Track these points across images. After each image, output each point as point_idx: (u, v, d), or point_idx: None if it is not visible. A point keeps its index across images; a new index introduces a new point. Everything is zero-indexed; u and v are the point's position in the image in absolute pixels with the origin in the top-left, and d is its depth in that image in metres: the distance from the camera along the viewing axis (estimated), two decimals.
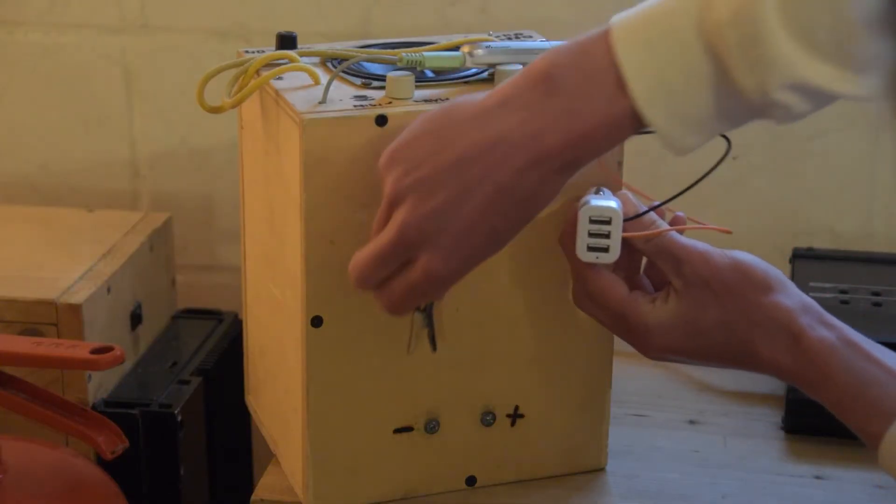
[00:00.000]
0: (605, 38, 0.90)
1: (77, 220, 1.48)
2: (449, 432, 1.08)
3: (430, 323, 1.06)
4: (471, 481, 1.10)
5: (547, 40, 1.10)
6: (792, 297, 0.98)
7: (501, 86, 0.92)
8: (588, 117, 0.90)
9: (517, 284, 1.06)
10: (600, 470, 1.13)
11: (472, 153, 0.91)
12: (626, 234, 0.99)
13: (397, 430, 1.08)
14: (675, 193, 1.01)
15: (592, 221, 0.98)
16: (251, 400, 1.22)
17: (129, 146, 1.55)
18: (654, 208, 1.01)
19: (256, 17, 1.49)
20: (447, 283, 0.95)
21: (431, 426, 1.08)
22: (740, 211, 1.47)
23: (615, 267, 1.01)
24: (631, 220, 1.00)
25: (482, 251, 0.94)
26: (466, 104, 0.93)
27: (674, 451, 1.16)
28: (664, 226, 1.01)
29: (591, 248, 0.99)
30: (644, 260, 1.04)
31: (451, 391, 1.08)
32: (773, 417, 1.21)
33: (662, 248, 1.00)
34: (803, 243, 1.42)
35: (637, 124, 0.91)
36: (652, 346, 1.00)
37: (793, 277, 1.33)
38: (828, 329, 0.97)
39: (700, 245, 1.00)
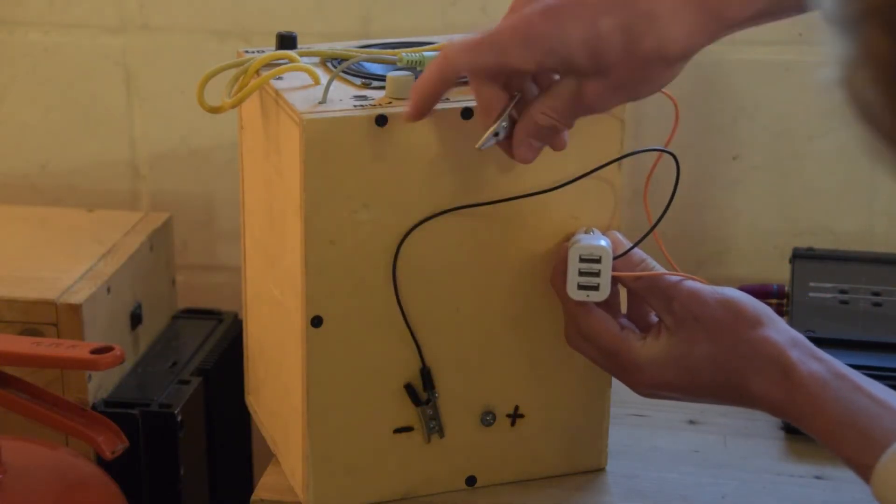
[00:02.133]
0: None
1: (77, 220, 1.48)
2: (449, 432, 1.08)
3: (435, 415, 1.07)
4: (471, 481, 1.10)
5: None
6: (781, 332, 0.99)
7: None
8: None
9: (518, 284, 1.06)
10: (600, 470, 1.13)
11: None
12: (615, 273, 1.01)
13: (397, 430, 1.08)
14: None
15: (583, 260, 1.00)
16: (251, 400, 1.22)
17: (129, 146, 1.55)
18: (638, 242, 1.03)
19: (256, 17, 1.49)
20: (560, 48, 0.91)
21: (431, 426, 1.08)
22: (740, 211, 1.47)
23: (602, 306, 1.03)
24: (620, 257, 1.02)
25: (599, 43, 0.90)
26: None
27: (674, 451, 1.16)
28: (653, 263, 1.03)
29: (581, 287, 1.01)
30: (626, 303, 1.06)
31: (451, 391, 1.08)
32: (773, 417, 1.21)
33: (652, 285, 1.01)
34: (803, 243, 1.42)
35: None
36: (644, 383, 1.02)
37: (793, 277, 1.33)
38: (818, 362, 0.98)
39: (689, 282, 1.01)
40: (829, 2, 0.60)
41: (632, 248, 1.02)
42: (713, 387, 1.00)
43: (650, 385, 1.01)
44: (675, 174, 1.02)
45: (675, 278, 1.01)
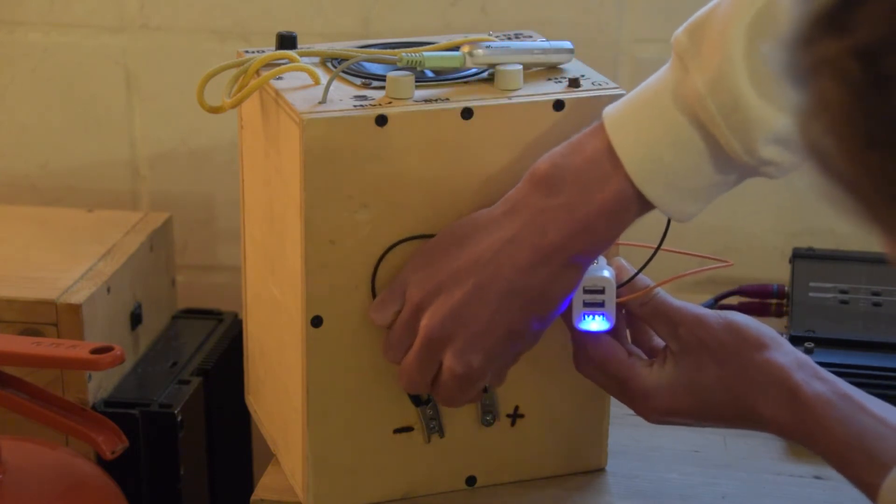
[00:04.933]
0: (598, 130, 0.96)
1: (77, 220, 1.48)
2: (449, 432, 1.08)
3: (435, 415, 1.08)
4: (471, 481, 1.10)
5: (547, 40, 1.10)
6: (786, 354, 1.00)
7: (509, 194, 0.98)
8: (588, 207, 0.95)
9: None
10: (600, 470, 1.13)
11: (484, 257, 0.97)
12: (620, 300, 1.02)
13: (397, 430, 1.08)
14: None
15: (587, 291, 1.01)
16: (251, 400, 1.22)
17: (129, 146, 1.55)
18: (642, 269, 1.04)
19: (256, 17, 1.49)
20: (473, 380, 1.00)
21: (431, 426, 1.08)
22: (740, 211, 1.47)
23: (609, 333, 1.04)
24: (624, 285, 1.03)
25: (504, 350, 1.00)
26: (481, 215, 0.99)
27: (674, 451, 1.16)
28: (657, 289, 1.03)
29: (587, 317, 1.02)
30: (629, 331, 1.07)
31: None
32: None
33: (657, 311, 1.02)
34: (803, 243, 1.42)
35: (637, 206, 0.96)
36: (653, 410, 1.02)
37: (793, 277, 1.33)
38: (822, 383, 0.98)
39: (693, 307, 1.02)
40: (783, 54, 0.61)
41: (635, 275, 1.03)
42: (721, 411, 1.01)
43: (660, 411, 1.02)
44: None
45: (679, 304, 1.02)
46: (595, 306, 1.02)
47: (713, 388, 1.00)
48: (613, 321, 1.02)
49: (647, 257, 1.04)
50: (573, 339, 1.05)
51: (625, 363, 1.02)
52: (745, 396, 0.99)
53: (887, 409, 0.97)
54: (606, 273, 1.02)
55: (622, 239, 1.05)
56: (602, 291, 1.01)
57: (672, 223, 1.01)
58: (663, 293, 1.03)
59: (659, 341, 1.04)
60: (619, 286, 1.02)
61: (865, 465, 0.95)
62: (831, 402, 0.97)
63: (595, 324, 1.02)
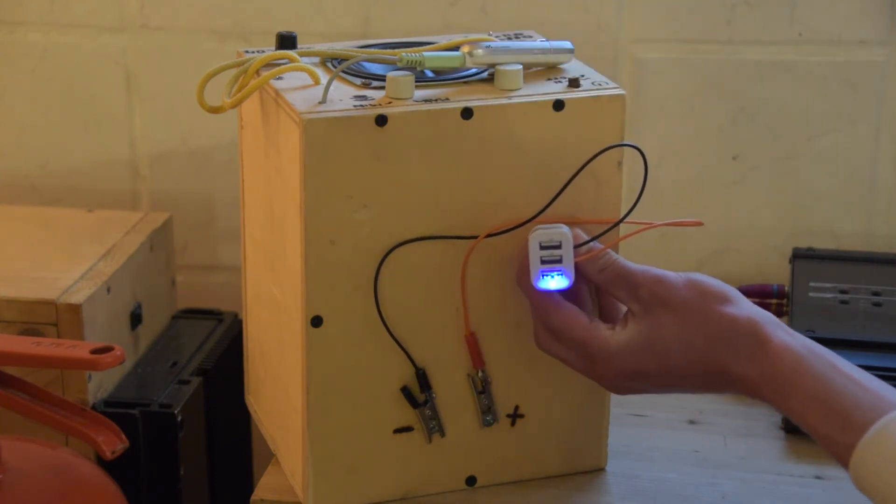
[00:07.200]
0: None
1: (77, 220, 1.48)
2: (449, 432, 1.08)
3: (435, 415, 1.07)
4: (471, 481, 1.10)
5: (547, 40, 1.10)
6: (751, 308, 0.99)
7: None
8: None
9: (517, 284, 1.06)
10: (600, 470, 1.13)
11: None
12: (578, 258, 1.01)
13: (397, 430, 1.08)
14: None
15: (543, 247, 1.01)
16: (251, 400, 1.22)
17: (129, 146, 1.55)
18: (599, 236, 1.03)
19: (256, 17, 1.49)
20: None
21: (431, 426, 1.08)
22: (740, 211, 1.47)
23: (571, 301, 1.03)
24: (580, 246, 1.02)
25: None
26: None
27: (674, 451, 1.16)
28: (613, 253, 1.02)
29: (544, 275, 1.01)
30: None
31: (451, 391, 1.08)
32: (773, 417, 1.21)
33: (617, 276, 1.01)
34: (803, 243, 1.42)
35: None
36: (616, 373, 1.01)
37: (793, 277, 1.33)
38: (792, 337, 0.97)
39: (653, 269, 1.01)
40: None
41: (591, 240, 1.02)
42: (685, 370, 0.99)
43: (622, 375, 1.00)
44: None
45: (639, 267, 1.01)
46: (553, 263, 1.01)
47: (676, 347, 0.98)
48: (572, 278, 1.01)
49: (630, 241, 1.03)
50: (533, 311, 1.04)
51: (586, 325, 1.01)
52: (709, 353, 0.98)
53: (857, 370, 0.95)
54: (563, 228, 1.01)
55: (592, 216, 1.04)
56: (559, 246, 1.00)
57: (644, 196, 1.00)
58: (623, 259, 1.02)
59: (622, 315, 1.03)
60: (576, 247, 1.01)
61: (838, 425, 0.92)
62: (802, 357, 0.95)
63: (554, 282, 1.01)
